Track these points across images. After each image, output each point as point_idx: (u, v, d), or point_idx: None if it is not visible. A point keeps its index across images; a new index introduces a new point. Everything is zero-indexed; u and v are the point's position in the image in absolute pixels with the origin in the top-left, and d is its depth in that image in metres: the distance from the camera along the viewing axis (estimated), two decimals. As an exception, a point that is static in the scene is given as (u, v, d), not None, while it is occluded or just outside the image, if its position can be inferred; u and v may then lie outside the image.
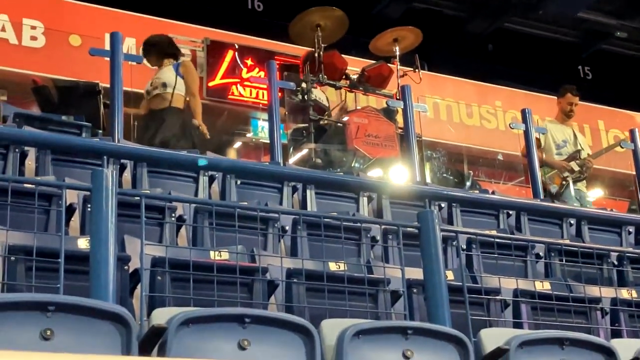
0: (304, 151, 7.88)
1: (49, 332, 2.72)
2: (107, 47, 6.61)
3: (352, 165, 7.82)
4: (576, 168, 7.99)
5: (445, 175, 8.45)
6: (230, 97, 10.74)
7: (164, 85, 7.09)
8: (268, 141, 7.08)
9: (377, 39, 8.50)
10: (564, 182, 7.92)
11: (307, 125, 7.92)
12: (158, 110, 7.07)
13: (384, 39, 8.46)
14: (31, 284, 3.40)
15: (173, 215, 4.89)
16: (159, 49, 7.33)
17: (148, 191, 4.94)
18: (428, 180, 8.31)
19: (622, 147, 8.15)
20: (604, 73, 15.39)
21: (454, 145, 11.52)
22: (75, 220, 4.78)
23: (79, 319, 2.79)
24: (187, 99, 7.16)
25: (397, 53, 8.40)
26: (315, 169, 7.48)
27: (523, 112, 7.47)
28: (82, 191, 4.54)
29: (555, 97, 8.63)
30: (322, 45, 8.08)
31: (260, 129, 10.66)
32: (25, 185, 4.42)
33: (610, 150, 9.10)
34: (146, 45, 7.38)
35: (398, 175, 7.72)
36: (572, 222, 6.49)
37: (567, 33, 15.16)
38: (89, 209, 4.61)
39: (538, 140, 8.09)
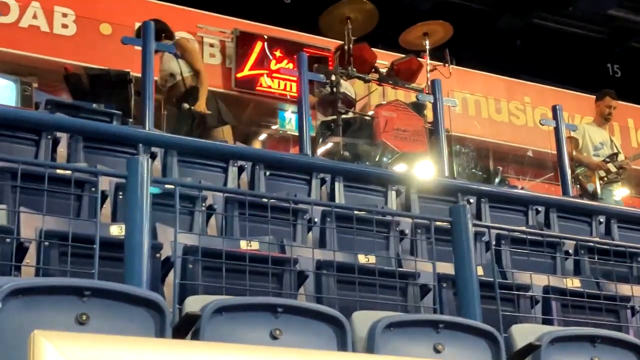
0: (332, 144, 7.87)
1: (84, 317, 2.73)
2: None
3: (380, 158, 7.81)
4: (613, 169, 8.04)
5: (474, 170, 8.43)
6: (258, 88, 10.74)
7: (172, 75, 7.11)
8: (295, 133, 7.08)
9: (407, 33, 8.47)
10: (601, 182, 7.96)
11: (335, 117, 7.91)
12: (181, 99, 7.06)
13: (414, 33, 8.44)
14: (66, 269, 3.42)
15: (203, 204, 4.91)
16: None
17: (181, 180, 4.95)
18: (459, 171, 8.32)
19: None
20: (633, 70, 15.28)
21: (482, 141, 11.47)
22: (107, 207, 4.81)
23: (114, 305, 2.81)
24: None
25: (427, 47, 8.36)
26: (343, 161, 7.47)
27: (554, 108, 7.43)
28: (114, 178, 4.59)
29: (591, 96, 8.66)
30: (352, 38, 8.06)
31: (288, 120, 10.66)
32: (58, 171, 4.47)
33: None
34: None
35: (423, 170, 7.70)
36: (601, 219, 6.46)
37: (596, 30, 15.05)
38: (120, 197, 4.66)
39: (575, 140, 8.15)
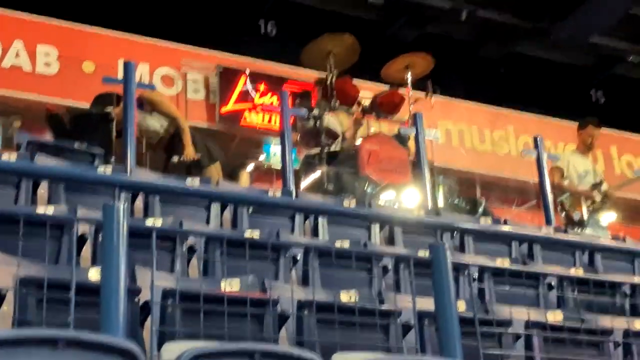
0: (316, 174, 7.89)
1: (59, 368, 2.72)
2: (120, 74, 6.65)
3: (365, 189, 7.82)
4: (598, 198, 8.07)
5: (457, 202, 8.43)
6: (242, 122, 10.78)
7: (154, 131, 7.11)
8: (280, 167, 7.09)
9: (388, 66, 8.50)
10: (588, 209, 7.98)
11: (319, 151, 7.93)
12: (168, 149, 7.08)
13: (396, 66, 8.47)
14: (42, 318, 3.40)
15: (185, 243, 4.90)
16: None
17: (160, 221, 4.93)
18: (442, 203, 8.30)
19: (636, 175, 8.17)
20: (616, 97, 15.37)
21: (466, 171, 11.50)
22: (87, 249, 4.79)
23: (89, 355, 2.79)
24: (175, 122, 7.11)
25: (409, 79, 8.39)
26: (327, 194, 7.48)
27: (535, 139, 7.47)
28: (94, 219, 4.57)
29: (575, 124, 8.71)
30: (335, 71, 8.10)
31: (273, 154, 10.68)
32: (38, 212, 4.45)
33: (633, 183, 9.17)
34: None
35: (411, 198, 7.72)
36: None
37: (579, 57, 15.15)
38: (100, 239, 4.64)
39: (561, 169, 8.18)
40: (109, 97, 6.91)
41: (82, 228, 4.62)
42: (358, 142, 8.07)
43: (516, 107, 13.40)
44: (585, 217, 8.00)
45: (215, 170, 7.07)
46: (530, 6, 13.86)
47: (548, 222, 7.08)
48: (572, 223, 7.95)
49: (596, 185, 8.24)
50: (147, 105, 7.10)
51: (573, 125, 12.43)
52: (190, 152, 6.83)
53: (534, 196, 9.66)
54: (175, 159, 6.81)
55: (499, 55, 14.57)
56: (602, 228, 8.19)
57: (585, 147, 8.55)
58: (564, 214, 8.15)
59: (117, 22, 10.76)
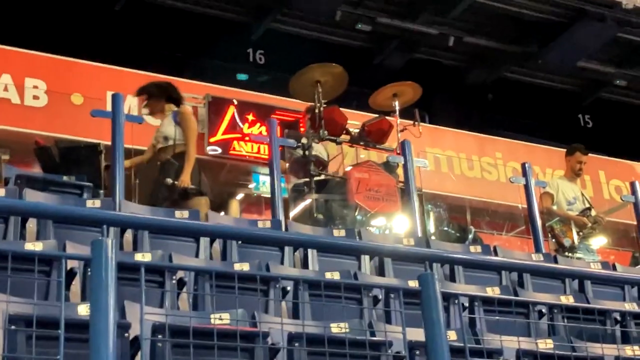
0: (306, 202, 7.90)
1: (47, 408, 2.70)
2: (109, 105, 6.66)
3: (355, 217, 7.84)
4: (588, 224, 8.08)
5: (446, 229, 8.45)
6: (231, 152, 10.80)
7: (165, 138, 7.11)
8: (269, 196, 7.09)
9: (376, 95, 8.53)
10: (579, 235, 7.99)
11: (307, 180, 7.95)
12: (162, 165, 7.06)
13: (384, 94, 8.49)
14: (31, 356, 3.38)
15: (174, 277, 4.89)
16: (166, 96, 7.28)
17: (149, 255, 4.93)
18: (432, 230, 8.32)
19: (623, 200, 8.20)
20: (604, 121, 15.46)
21: (455, 197, 11.53)
22: (77, 284, 4.78)
23: (78, 394, 2.78)
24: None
25: (397, 107, 8.41)
26: (317, 223, 7.49)
27: (523, 166, 7.51)
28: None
29: (563, 150, 8.74)
30: (323, 100, 8.12)
31: (262, 183, 10.69)
32: (26, 248, 4.44)
33: (622, 208, 9.21)
34: (152, 91, 7.32)
35: (401, 224, 7.74)
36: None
37: (566, 82, 15.26)
38: (89, 273, 4.63)
39: (551, 195, 8.21)
40: None
41: (71, 263, 4.62)
42: (347, 170, 8.10)
43: (504, 133, 13.46)
44: (576, 242, 8.01)
45: (204, 202, 7.06)
46: (517, 31, 13.97)
47: (538, 249, 7.10)
48: (562, 248, 7.96)
49: (585, 211, 8.27)
50: (180, 118, 7.11)
51: (561, 150, 12.51)
52: (186, 180, 6.81)
53: (523, 222, 9.69)
54: (169, 181, 6.76)
55: (487, 80, 14.66)
56: (592, 253, 8.20)
57: (574, 174, 8.56)
58: (553, 239, 8.17)
59: (105, 55, 10.80)
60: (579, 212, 8.25)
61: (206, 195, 7.00)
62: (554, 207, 8.25)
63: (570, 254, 7.80)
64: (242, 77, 11.93)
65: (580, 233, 8.10)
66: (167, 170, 6.88)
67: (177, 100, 7.30)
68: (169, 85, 7.48)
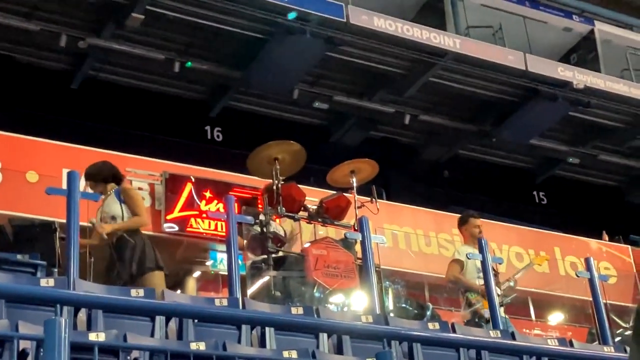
0: (264, 279, 7.84)
1: None
2: (64, 183, 6.61)
3: (313, 294, 7.79)
4: (499, 292, 7.97)
5: (405, 305, 8.42)
6: (188, 229, 10.74)
7: (113, 217, 7.07)
8: (227, 273, 7.04)
9: (334, 171, 8.57)
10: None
11: (265, 257, 7.91)
12: (116, 242, 7.00)
13: (341, 171, 8.53)
14: None
15: (128, 358, 4.81)
16: (103, 177, 7.30)
17: (103, 335, 4.84)
18: (390, 307, 8.28)
19: (578, 276, 8.23)
20: (558, 198, 15.67)
21: (413, 274, 11.54)
22: (29, 365, 4.67)
23: None
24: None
25: (355, 184, 8.45)
26: (275, 301, 7.43)
27: (479, 242, 7.56)
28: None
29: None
30: (281, 177, 8.13)
31: (219, 260, 10.63)
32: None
33: (527, 269, 9.14)
34: (90, 175, 7.33)
35: (359, 301, 7.70)
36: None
37: (520, 159, 15.51)
38: (42, 354, 4.53)
39: (461, 262, 8.21)
40: None
41: (24, 343, 4.52)
42: (305, 246, 8.07)
43: (461, 210, 13.54)
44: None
45: (159, 277, 6.99)
46: (471, 110, 14.21)
47: (495, 326, 7.10)
48: (481, 319, 7.86)
49: (496, 280, 8.08)
50: (122, 194, 7.15)
51: (518, 227, 12.66)
52: (107, 228, 6.80)
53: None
54: (114, 272, 6.76)
55: (443, 158, 14.84)
56: (511, 327, 7.96)
57: (474, 239, 8.44)
58: (470, 311, 8.08)
59: (61, 133, 10.77)
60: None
61: (163, 270, 6.96)
62: (461, 277, 8.20)
63: (487, 324, 7.64)
64: (292, 15, 11.85)
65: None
66: (122, 248, 6.84)
67: (116, 178, 7.34)
68: (104, 164, 7.46)
